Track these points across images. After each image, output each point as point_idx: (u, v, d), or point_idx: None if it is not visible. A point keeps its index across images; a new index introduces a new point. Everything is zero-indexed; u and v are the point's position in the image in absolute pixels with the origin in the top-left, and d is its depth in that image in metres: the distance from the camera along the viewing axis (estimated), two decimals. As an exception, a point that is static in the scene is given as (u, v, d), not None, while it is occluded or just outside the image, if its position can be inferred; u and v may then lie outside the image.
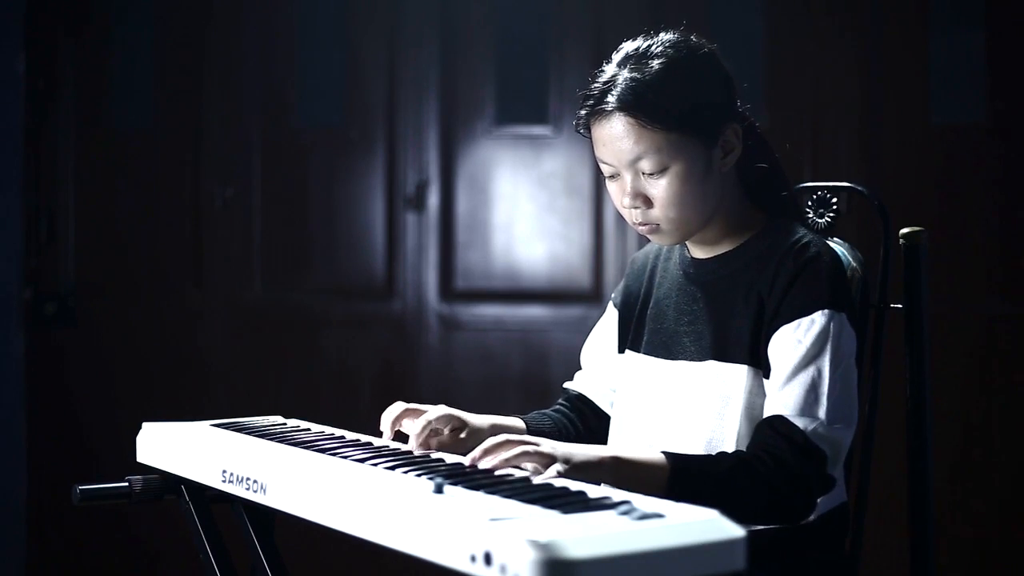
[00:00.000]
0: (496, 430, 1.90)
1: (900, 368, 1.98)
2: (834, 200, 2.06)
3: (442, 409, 1.86)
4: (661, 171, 1.80)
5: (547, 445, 1.62)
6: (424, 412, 1.86)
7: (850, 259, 1.98)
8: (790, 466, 1.68)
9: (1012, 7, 3.66)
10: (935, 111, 3.69)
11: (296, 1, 3.99)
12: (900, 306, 1.97)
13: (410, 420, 1.87)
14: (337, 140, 3.98)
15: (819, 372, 1.73)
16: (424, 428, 1.82)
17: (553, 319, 3.85)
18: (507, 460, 1.60)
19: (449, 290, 3.93)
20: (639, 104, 1.78)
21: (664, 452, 1.69)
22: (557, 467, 1.58)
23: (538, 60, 3.90)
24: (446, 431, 1.86)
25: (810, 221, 2.08)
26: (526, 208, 3.91)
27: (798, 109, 3.73)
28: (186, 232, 4.01)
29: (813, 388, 1.72)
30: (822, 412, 1.71)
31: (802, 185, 2.11)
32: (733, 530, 1.29)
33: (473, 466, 1.62)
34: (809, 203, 2.08)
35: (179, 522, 1.91)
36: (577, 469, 1.60)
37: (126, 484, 1.91)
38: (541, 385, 3.78)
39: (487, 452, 1.62)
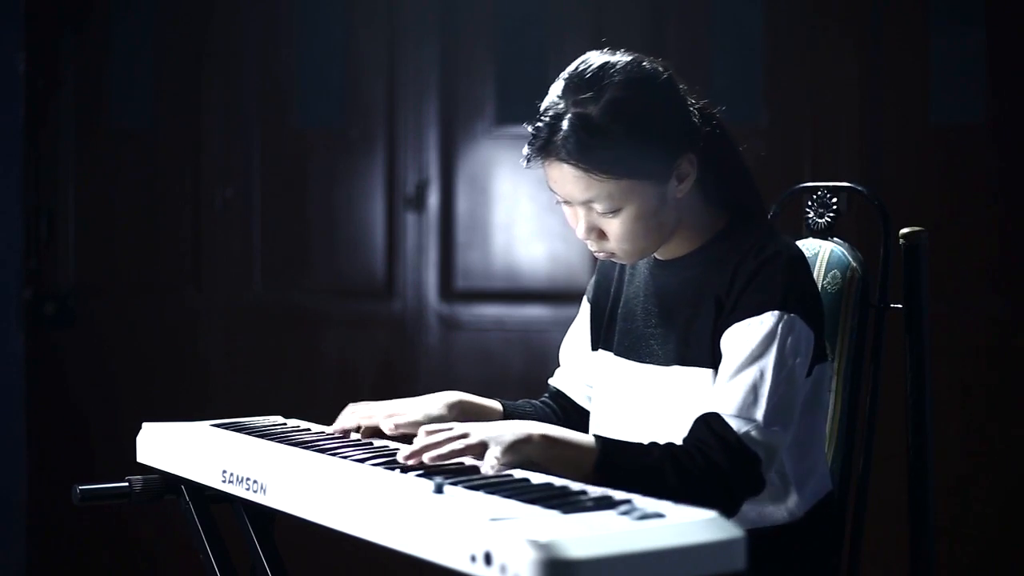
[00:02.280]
0: (465, 406, 1.95)
1: (900, 368, 1.98)
2: (834, 200, 2.06)
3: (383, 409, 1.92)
4: (614, 212, 1.77)
5: (476, 433, 1.62)
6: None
7: (850, 259, 1.98)
8: (719, 466, 1.66)
9: (1012, 7, 3.66)
10: (935, 111, 3.69)
11: (296, 1, 3.99)
12: (900, 306, 1.97)
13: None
14: (337, 140, 3.98)
15: (761, 374, 1.71)
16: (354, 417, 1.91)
17: (553, 319, 3.85)
18: (441, 456, 1.61)
19: (449, 290, 3.93)
20: (585, 156, 1.73)
21: (596, 435, 1.68)
22: (494, 455, 1.58)
23: (538, 60, 3.90)
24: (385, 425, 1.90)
25: (810, 221, 2.08)
26: (526, 208, 3.91)
27: (798, 109, 3.73)
28: (186, 232, 4.01)
29: (753, 389, 1.70)
30: (759, 414, 1.69)
31: (802, 185, 2.11)
32: (733, 530, 1.29)
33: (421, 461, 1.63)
34: (809, 203, 2.08)
35: (179, 522, 1.91)
36: (508, 450, 1.60)
37: (126, 484, 1.90)
38: (541, 385, 3.75)
39: (420, 451, 1.62)
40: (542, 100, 1.82)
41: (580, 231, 1.82)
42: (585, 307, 2.07)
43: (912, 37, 3.70)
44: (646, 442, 1.72)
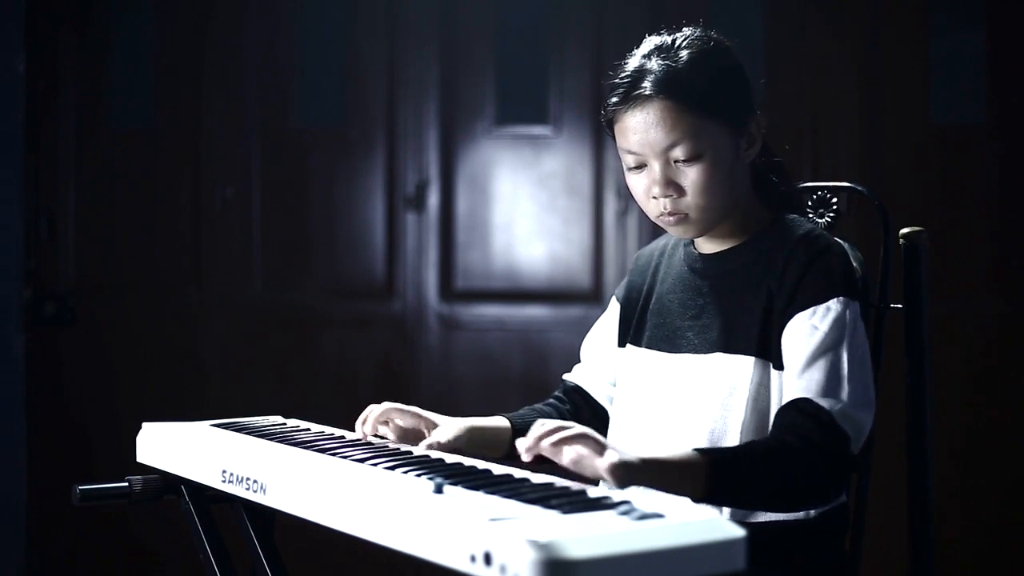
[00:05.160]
0: (473, 433, 1.91)
1: (900, 368, 1.98)
2: (834, 200, 2.06)
3: (413, 410, 1.90)
4: (695, 158, 1.80)
5: (596, 434, 1.55)
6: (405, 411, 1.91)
7: (850, 259, 1.98)
8: (819, 445, 1.67)
9: (1012, 7, 3.66)
10: (935, 111, 3.69)
11: (296, 1, 3.99)
12: (900, 306, 1.97)
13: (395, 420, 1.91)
14: (337, 140, 3.98)
15: (838, 357, 1.73)
16: (378, 418, 1.88)
17: (553, 319, 3.85)
18: (564, 440, 1.52)
19: (449, 290, 3.93)
20: (677, 88, 1.79)
21: (694, 449, 1.64)
22: (611, 459, 1.50)
23: (538, 60, 3.90)
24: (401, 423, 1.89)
25: (810, 221, 2.08)
26: (526, 208, 3.91)
27: (798, 109, 3.73)
28: (186, 232, 4.01)
29: (835, 372, 1.72)
30: (845, 395, 1.71)
31: (802, 185, 2.11)
32: (733, 530, 1.29)
33: (532, 457, 1.56)
34: (809, 203, 2.09)
35: (179, 522, 1.91)
36: (621, 467, 1.51)
37: (126, 484, 1.90)
38: (541, 385, 3.77)
39: (541, 438, 1.54)
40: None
41: (656, 189, 1.83)
42: (614, 306, 2.07)
43: (912, 37, 3.70)
44: (736, 443, 1.72)
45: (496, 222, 3.93)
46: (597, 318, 2.15)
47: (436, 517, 1.33)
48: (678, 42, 1.85)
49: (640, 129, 1.81)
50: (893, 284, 2.00)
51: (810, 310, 1.76)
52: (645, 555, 1.24)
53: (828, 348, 1.73)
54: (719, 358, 1.84)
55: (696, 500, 1.64)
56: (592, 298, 3.83)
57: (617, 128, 1.85)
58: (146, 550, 3.95)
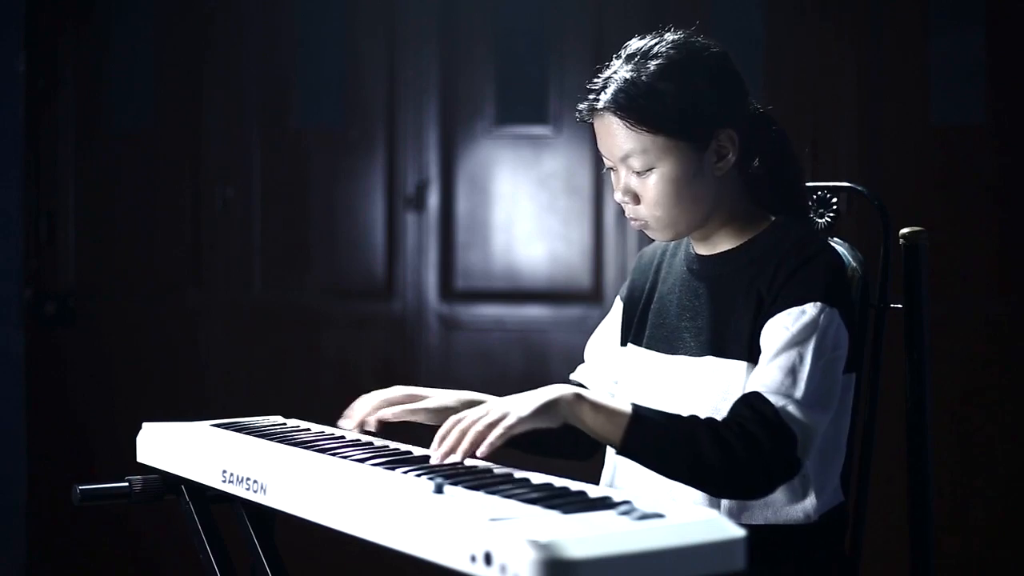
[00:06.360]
0: (470, 405, 1.94)
1: (900, 368, 1.98)
2: (834, 200, 2.06)
3: (400, 389, 1.95)
4: (647, 170, 1.82)
5: (495, 410, 1.65)
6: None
7: (850, 259, 1.98)
8: (756, 439, 1.66)
9: (1012, 7, 3.66)
10: (935, 112, 3.69)
11: (296, 2, 3.99)
12: (900, 306, 1.97)
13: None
14: (337, 140, 3.98)
15: (800, 357, 1.72)
16: (374, 408, 1.91)
17: (553, 319, 3.85)
18: (467, 450, 1.63)
19: (449, 290, 3.93)
20: (628, 105, 1.81)
21: (632, 403, 1.69)
22: (505, 423, 1.62)
23: (538, 60, 3.90)
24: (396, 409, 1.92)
25: (809, 225, 2.08)
26: (526, 208, 3.91)
27: (798, 109, 3.73)
28: (186, 232, 4.01)
29: (792, 371, 1.72)
30: (798, 393, 1.70)
31: (802, 185, 2.12)
32: (733, 530, 1.29)
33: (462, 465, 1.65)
34: (809, 203, 2.09)
35: (179, 522, 1.91)
36: (534, 416, 1.64)
37: (126, 484, 1.90)
38: (541, 385, 3.77)
39: (447, 447, 1.65)
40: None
41: (617, 195, 1.88)
42: (617, 305, 2.08)
43: (912, 37, 3.70)
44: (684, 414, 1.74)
45: (496, 222, 3.93)
46: (597, 318, 2.16)
47: (436, 517, 1.33)
48: (652, 51, 1.84)
49: (601, 136, 1.87)
50: (893, 284, 2.00)
51: (785, 312, 1.76)
52: (645, 555, 1.24)
53: (791, 347, 1.73)
54: (710, 361, 1.84)
55: (617, 452, 1.69)
56: (592, 298, 3.83)
57: (594, 129, 1.90)
58: (146, 550, 3.95)
